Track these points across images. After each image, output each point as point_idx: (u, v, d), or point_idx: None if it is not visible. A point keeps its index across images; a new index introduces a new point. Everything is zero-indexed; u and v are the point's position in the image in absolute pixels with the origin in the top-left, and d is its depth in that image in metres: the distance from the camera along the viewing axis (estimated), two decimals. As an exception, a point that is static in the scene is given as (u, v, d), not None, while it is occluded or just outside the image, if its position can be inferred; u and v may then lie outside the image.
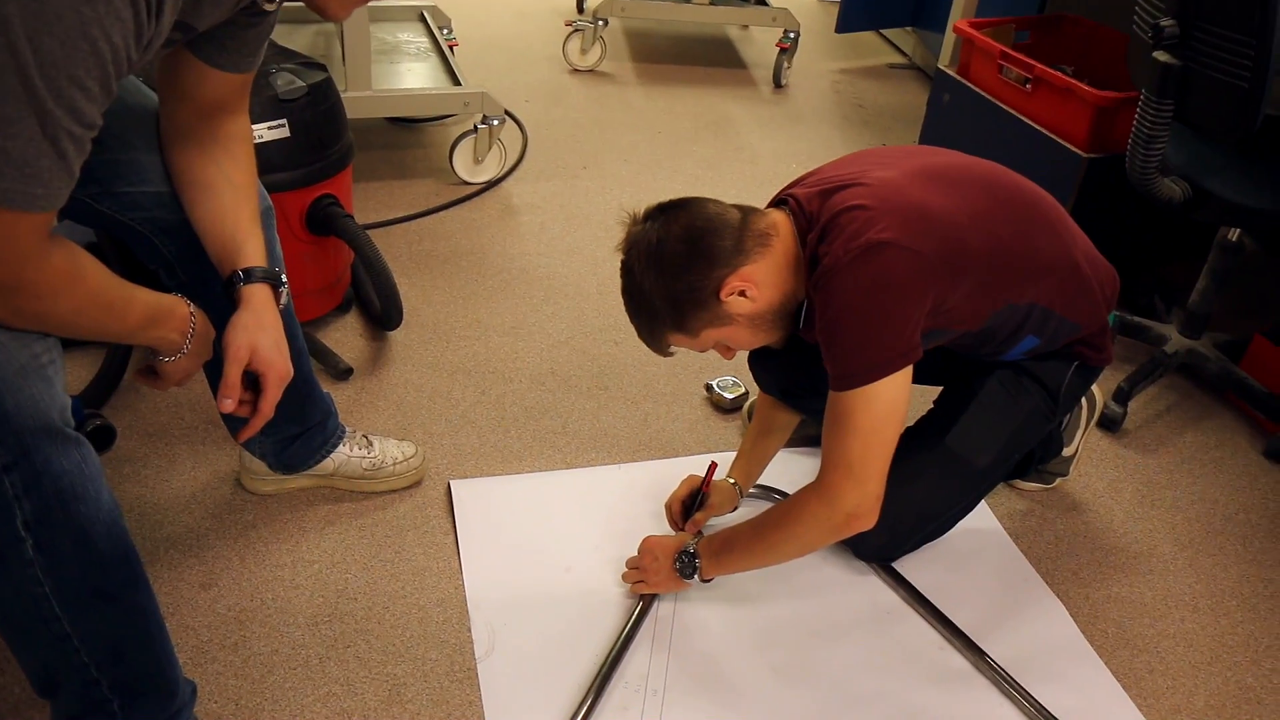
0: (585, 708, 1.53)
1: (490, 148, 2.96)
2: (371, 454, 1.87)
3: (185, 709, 1.38)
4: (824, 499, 1.49)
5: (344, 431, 1.87)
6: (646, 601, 1.72)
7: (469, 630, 1.66)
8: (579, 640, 1.66)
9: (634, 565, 1.75)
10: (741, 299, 1.50)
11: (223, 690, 1.53)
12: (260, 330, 1.37)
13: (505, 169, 3.08)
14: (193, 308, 1.32)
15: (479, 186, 2.99)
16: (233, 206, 1.41)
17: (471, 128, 2.92)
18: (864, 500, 1.47)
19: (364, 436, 1.89)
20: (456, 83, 3.01)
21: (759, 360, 1.84)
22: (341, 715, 1.52)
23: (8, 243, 1.02)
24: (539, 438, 2.09)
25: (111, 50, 0.98)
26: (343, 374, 2.17)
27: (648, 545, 1.73)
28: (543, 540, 1.84)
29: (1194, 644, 1.80)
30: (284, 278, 1.45)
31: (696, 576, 1.65)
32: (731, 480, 1.87)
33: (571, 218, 2.89)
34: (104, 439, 1.48)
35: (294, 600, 1.69)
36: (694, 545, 1.65)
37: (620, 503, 1.94)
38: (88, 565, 1.20)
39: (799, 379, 1.79)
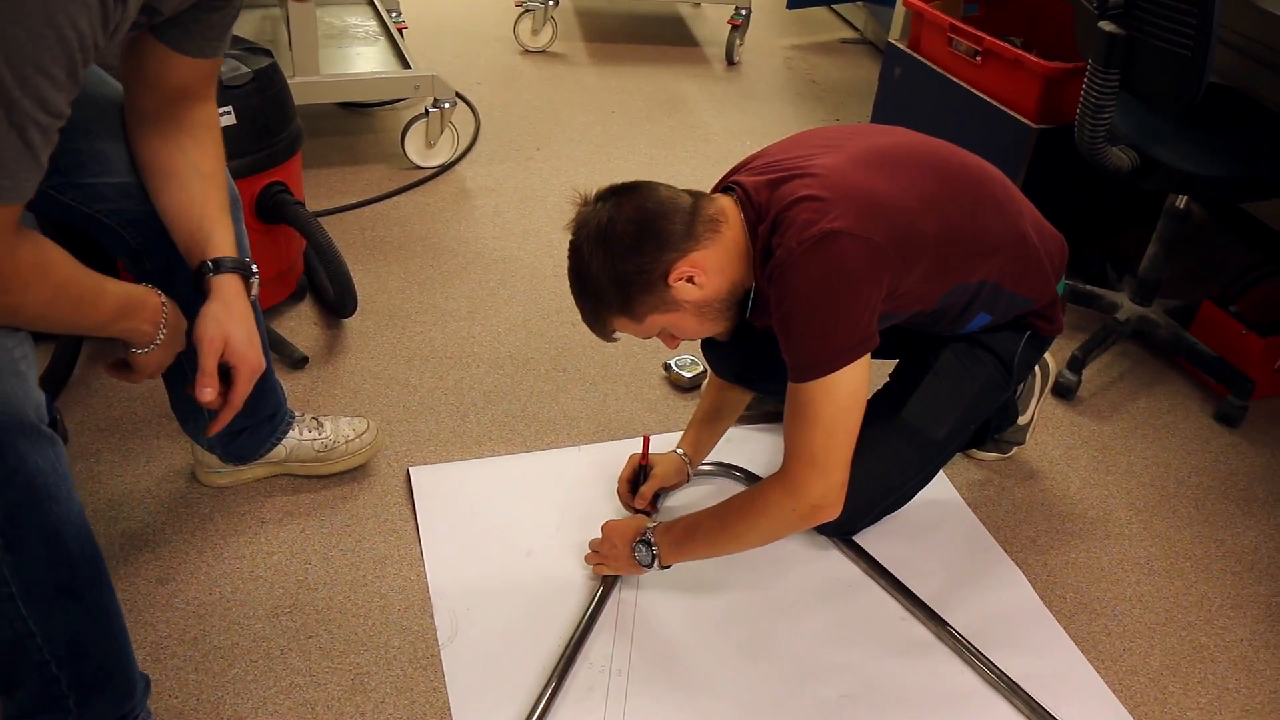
0: (549, 690, 1.53)
1: (442, 131, 2.93)
2: (323, 435, 1.85)
3: (140, 704, 1.36)
4: (789, 490, 1.49)
5: (292, 417, 1.85)
6: (609, 583, 1.72)
7: (431, 617, 1.66)
8: (542, 623, 1.66)
9: (596, 548, 1.75)
10: (689, 285, 1.49)
11: (183, 685, 1.52)
12: (232, 321, 1.35)
13: (458, 153, 3.05)
14: (164, 298, 1.30)
15: (432, 171, 2.96)
16: (200, 195, 1.39)
17: (423, 111, 2.89)
18: (829, 491, 1.48)
19: (313, 418, 1.87)
20: (406, 66, 2.97)
21: (713, 345, 1.84)
22: (304, 706, 1.51)
23: None
24: (497, 422, 2.08)
25: (78, 37, 0.96)
26: (298, 363, 2.14)
27: (608, 530, 1.72)
28: (503, 524, 1.84)
29: (1149, 606, 1.83)
30: (254, 268, 1.43)
31: (655, 564, 1.65)
32: (680, 451, 1.88)
33: (526, 200, 2.88)
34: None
35: (253, 592, 1.67)
36: (652, 534, 1.64)
37: (580, 485, 1.94)
38: (56, 565, 1.19)
39: (754, 364, 1.79)
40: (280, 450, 1.83)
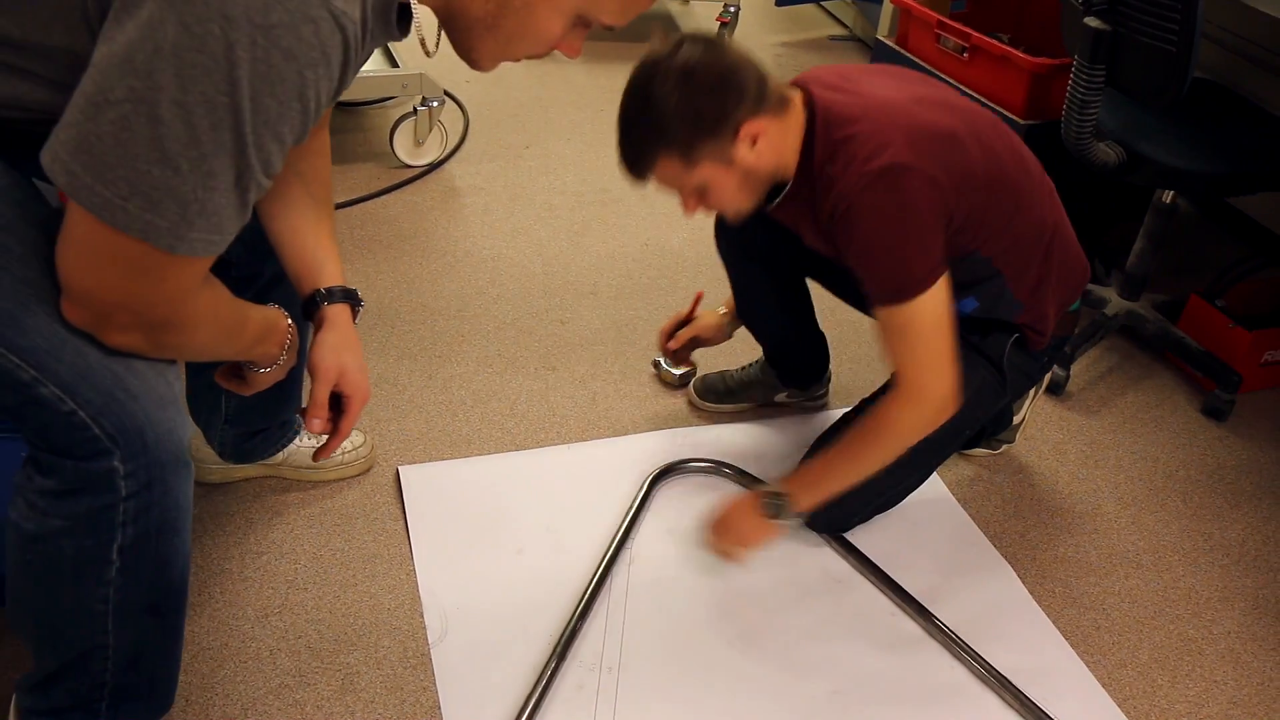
0: (540, 688, 1.53)
1: (431, 130, 2.93)
2: (320, 443, 1.85)
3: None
4: (913, 400, 1.55)
5: (300, 424, 1.85)
6: (599, 580, 1.72)
7: (421, 616, 1.66)
8: (532, 622, 1.66)
9: (714, 535, 1.70)
10: (750, 147, 1.50)
11: (172, 687, 1.51)
12: (347, 351, 1.36)
13: (447, 151, 3.05)
14: (289, 320, 1.31)
15: (421, 169, 2.96)
16: (314, 223, 1.40)
17: (411, 110, 2.89)
18: (950, 388, 1.55)
19: None
20: (394, 64, 2.97)
21: (722, 227, 1.90)
22: (294, 707, 1.51)
23: (176, 284, 1.02)
24: (487, 420, 2.08)
25: (317, 106, 0.98)
26: None
27: (723, 515, 1.68)
28: (493, 523, 1.84)
29: (1138, 600, 1.83)
30: (359, 295, 1.44)
31: (785, 514, 1.63)
32: (722, 310, 1.98)
33: (515, 198, 2.87)
34: None
35: (242, 593, 1.67)
36: (776, 486, 1.64)
37: (570, 482, 1.94)
38: (155, 589, 1.22)
39: (757, 239, 1.83)
40: (278, 455, 1.84)
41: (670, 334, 2.04)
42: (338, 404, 1.37)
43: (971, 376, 1.76)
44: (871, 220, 1.48)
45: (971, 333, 1.75)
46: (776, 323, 2.03)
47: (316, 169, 1.42)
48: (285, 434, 1.83)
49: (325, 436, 1.37)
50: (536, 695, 1.52)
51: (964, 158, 1.53)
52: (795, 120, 1.55)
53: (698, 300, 2.03)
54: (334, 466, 1.87)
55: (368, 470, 1.92)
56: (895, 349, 1.55)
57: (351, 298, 1.41)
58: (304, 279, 1.39)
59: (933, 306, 1.51)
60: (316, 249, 1.39)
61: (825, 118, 1.53)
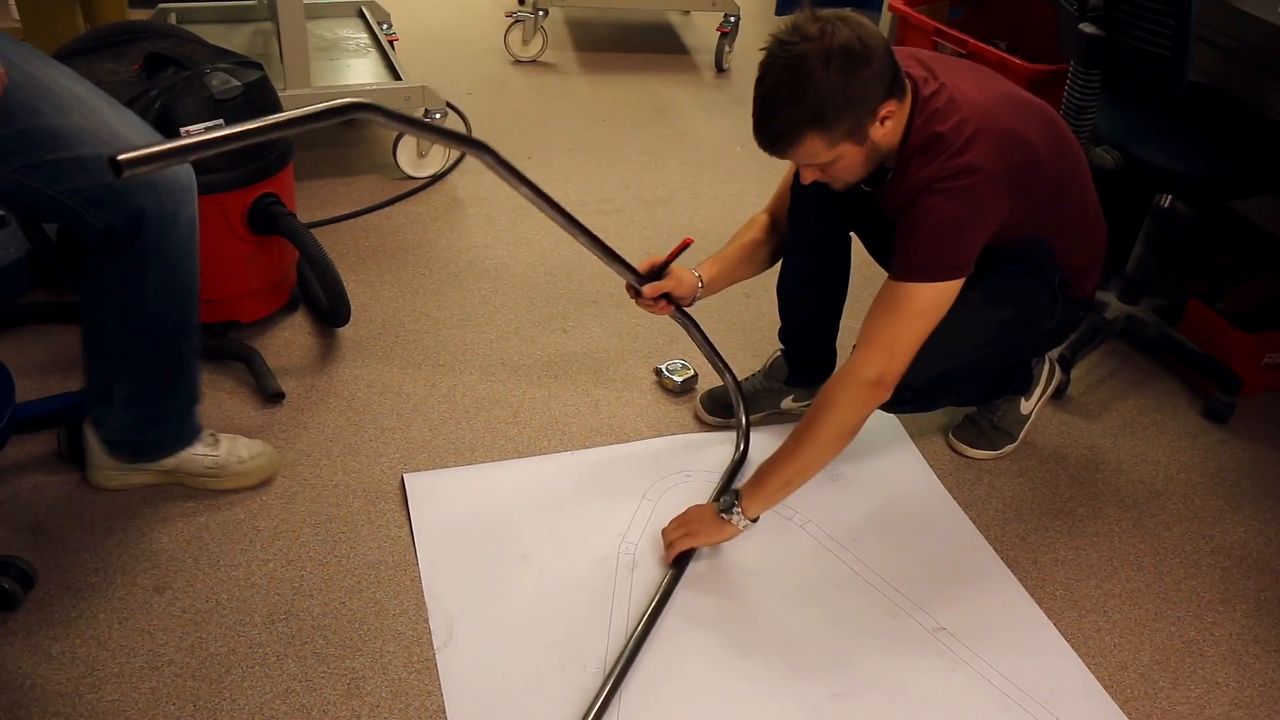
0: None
1: (434, 142, 2.95)
2: (215, 453, 1.84)
3: None
4: (852, 370, 1.65)
5: (200, 433, 1.84)
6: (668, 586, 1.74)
7: (426, 621, 1.67)
8: (536, 627, 1.67)
9: (674, 526, 1.80)
10: (882, 127, 1.59)
11: (179, 692, 1.53)
12: None
13: (450, 163, 3.06)
14: None
15: (424, 181, 2.98)
16: None
17: (414, 122, 2.90)
18: (889, 373, 1.64)
19: (211, 434, 1.86)
20: (397, 78, 2.99)
21: (806, 201, 1.91)
22: (301, 711, 1.52)
23: None
24: (490, 428, 2.09)
25: None
26: (273, 397, 2.09)
27: (686, 513, 1.81)
28: (497, 529, 1.85)
29: (1139, 602, 1.84)
30: None
31: (739, 515, 1.72)
32: (697, 273, 1.98)
33: (518, 209, 2.89)
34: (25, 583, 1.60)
35: (249, 599, 1.68)
36: (730, 492, 1.75)
37: (573, 489, 1.95)
38: None
39: (844, 222, 1.94)
40: (170, 460, 1.82)
41: (642, 279, 1.94)
42: None
43: (1024, 284, 1.86)
44: (940, 206, 1.59)
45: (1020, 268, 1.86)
46: (818, 296, 2.06)
47: None
48: (182, 436, 1.81)
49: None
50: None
51: (1036, 162, 1.66)
52: (908, 104, 1.64)
53: (683, 246, 1.93)
54: (228, 476, 1.85)
55: (268, 481, 1.90)
56: (874, 318, 1.66)
57: None
58: None
59: (934, 297, 1.62)
60: None
61: (925, 109, 1.63)
